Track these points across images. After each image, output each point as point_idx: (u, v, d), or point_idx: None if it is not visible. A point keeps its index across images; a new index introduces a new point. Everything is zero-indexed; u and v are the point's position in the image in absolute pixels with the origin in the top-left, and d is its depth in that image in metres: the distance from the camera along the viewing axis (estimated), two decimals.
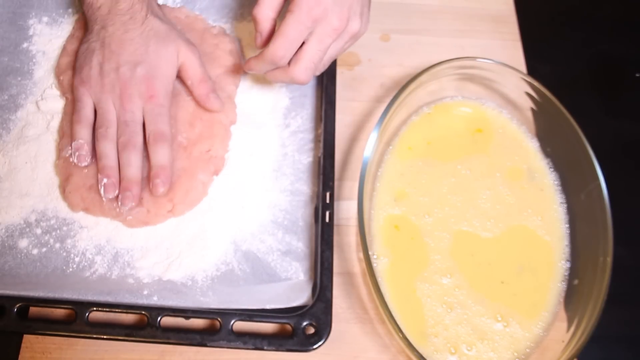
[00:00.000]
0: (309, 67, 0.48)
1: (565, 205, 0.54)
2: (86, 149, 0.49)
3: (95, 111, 0.51)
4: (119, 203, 0.48)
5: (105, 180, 0.48)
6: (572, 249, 0.52)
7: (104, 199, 0.48)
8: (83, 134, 0.50)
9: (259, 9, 0.48)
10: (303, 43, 0.47)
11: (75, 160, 0.49)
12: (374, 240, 0.51)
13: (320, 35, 0.47)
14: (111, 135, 0.49)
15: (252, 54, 0.59)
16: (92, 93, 0.50)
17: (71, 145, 0.50)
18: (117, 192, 0.48)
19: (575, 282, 0.50)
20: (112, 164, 0.49)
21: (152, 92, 0.49)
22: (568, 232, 0.53)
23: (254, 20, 0.49)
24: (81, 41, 0.54)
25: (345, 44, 0.50)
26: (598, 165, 0.50)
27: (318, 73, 0.51)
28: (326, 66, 0.51)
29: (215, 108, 0.53)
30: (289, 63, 0.48)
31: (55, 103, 0.54)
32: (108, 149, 0.49)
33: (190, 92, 0.53)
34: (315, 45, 0.47)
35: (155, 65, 0.50)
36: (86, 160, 0.49)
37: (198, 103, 0.53)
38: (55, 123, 0.53)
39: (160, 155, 0.49)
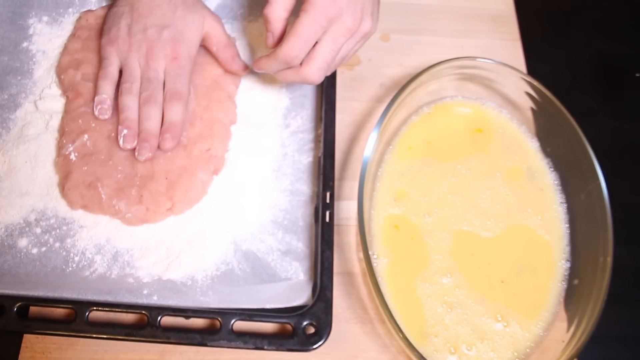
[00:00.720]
0: (321, 67, 0.48)
1: (565, 205, 0.54)
2: (108, 103, 0.52)
3: (121, 70, 0.53)
4: (136, 154, 0.50)
5: (125, 131, 0.50)
6: (572, 249, 0.52)
7: (122, 146, 0.50)
8: (107, 89, 0.52)
9: (271, 8, 0.48)
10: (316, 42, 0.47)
11: (97, 113, 0.51)
12: (374, 240, 0.51)
13: (334, 35, 0.47)
14: (135, 91, 0.51)
15: (251, 53, 0.60)
16: (119, 52, 0.52)
17: (94, 100, 0.52)
18: (135, 143, 0.50)
19: (575, 282, 0.50)
20: (133, 116, 0.50)
21: (175, 54, 0.51)
22: (568, 232, 0.53)
23: (265, 20, 0.49)
24: (110, 7, 0.56)
25: (356, 44, 0.50)
26: (598, 165, 0.50)
27: (329, 73, 0.51)
28: (337, 66, 0.51)
29: (240, 70, 0.56)
30: (300, 63, 0.48)
31: (53, 102, 0.54)
32: (131, 103, 0.51)
33: (215, 57, 0.56)
34: (329, 45, 0.47)
35: (182, 30, 0.52)
36: (107, 113, 0.52)
37: (223, 67, 0.56)
38: (54, 122, 0.53)
39: (174, 112, 0.51)
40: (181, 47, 0.52)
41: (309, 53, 0.47)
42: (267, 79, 0.57)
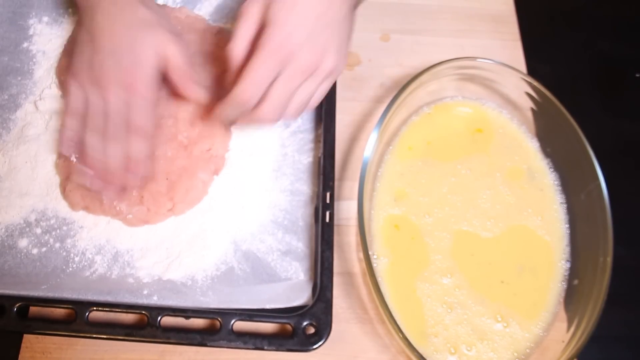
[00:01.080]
0: (276, 107, 0.45)
1: (565, 205, 0.54)
2: (75, 140, 0.49)
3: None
4: (103, 196, 0.48)
5: (89, 172, 0.48)
6: (572, 249, 0.52)
7: (89, 188, 0.48)
8: (72, 125, 0.50)
9: (234, 44, 0.45)
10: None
11: (63, 151, 0.50)
12: (374, 240, 0.51)
13: (290, 73, 0.44)
14: (97, 127, 0.49)
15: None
16: (81, 85, 0.50)
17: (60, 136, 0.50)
18: (101, 184, 0.48)
19: (575, 282, 0.50)
20: (97, 155, 0.48)
21: (133, 83, 0.48)
22: (568, 232, 0.53)
23: (227, 58, 0.46)
24: (73, 33, 0.54)
25: (322, 83, 0.47)
26: (598, 165, 0.50)
27: (294, 115, 0.48)
28: (305, 106, 0.48)
29: (195, 97, 0.51)
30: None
31: (53, 103, 0.54)
32: (93, 141, 0.48)
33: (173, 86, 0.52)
34: (283, 85, 0.44)
35: (139, 55, 0.48)
36: (74, 151, 0.50)
37: (181, 95, 0.52)
38: (54, 123, 0.53)
39: (134, 149, 0.48)
40: (138, 75, 0.48)
41: (265, 92, 0.45)
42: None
